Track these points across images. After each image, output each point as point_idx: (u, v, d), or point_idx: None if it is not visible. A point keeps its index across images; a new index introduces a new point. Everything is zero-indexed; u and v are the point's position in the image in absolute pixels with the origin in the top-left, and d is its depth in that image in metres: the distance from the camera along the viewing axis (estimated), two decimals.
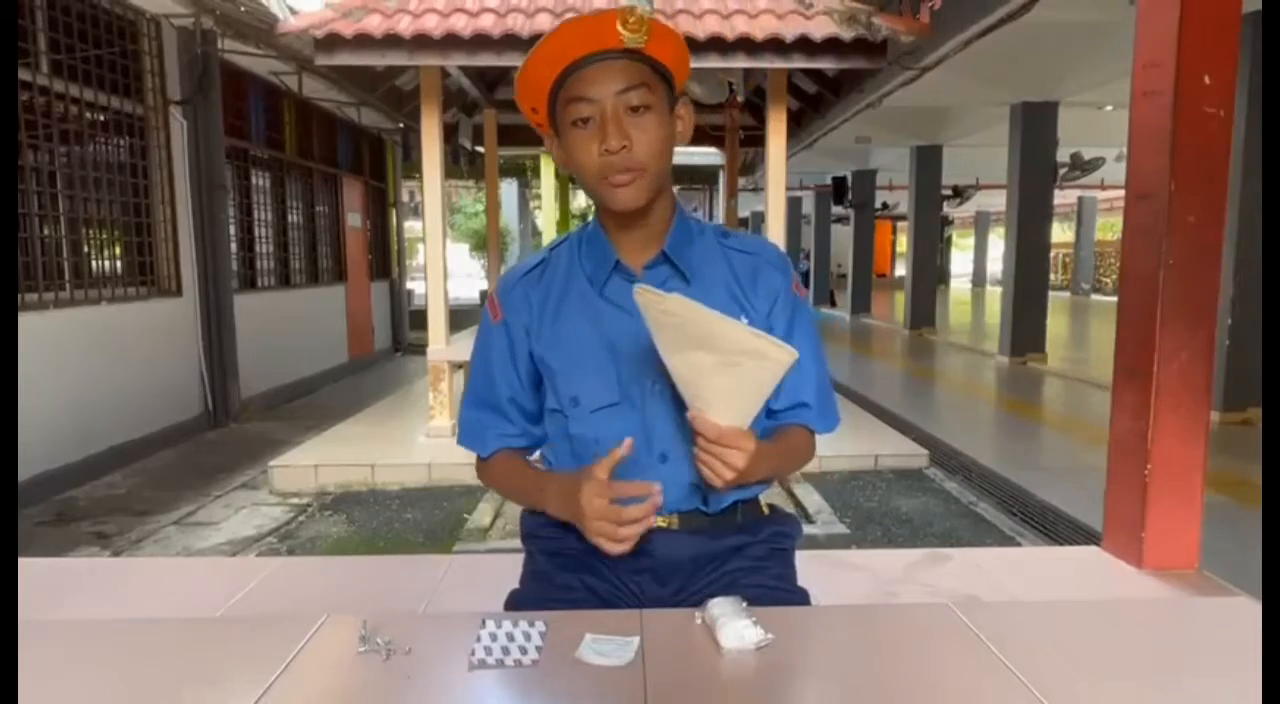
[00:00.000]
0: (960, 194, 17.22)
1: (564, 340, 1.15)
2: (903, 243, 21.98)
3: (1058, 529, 3.83)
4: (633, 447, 1.04)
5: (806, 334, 1.20)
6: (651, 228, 1.15)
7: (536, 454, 1.26)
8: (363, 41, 4.60)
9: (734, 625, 0.97)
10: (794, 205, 19.53)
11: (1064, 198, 18.12)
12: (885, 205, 18.72)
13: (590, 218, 1.22)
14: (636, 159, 1.07)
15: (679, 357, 0.99)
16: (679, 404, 1.13)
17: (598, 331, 1.14)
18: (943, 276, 23.89)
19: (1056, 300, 15.54)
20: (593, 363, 1.13)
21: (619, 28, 1.04)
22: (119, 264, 5.43)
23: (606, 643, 0.97)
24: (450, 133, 7.57)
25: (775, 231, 5.31)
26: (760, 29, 4.66)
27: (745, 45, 4.65)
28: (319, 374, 8.28)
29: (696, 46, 4.50)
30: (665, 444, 1.14)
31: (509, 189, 16.06)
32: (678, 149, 1.17)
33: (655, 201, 1.13)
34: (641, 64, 1.08)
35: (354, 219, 9.52)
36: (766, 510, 1.25)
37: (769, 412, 1.20)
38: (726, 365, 0.96)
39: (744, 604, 1.03)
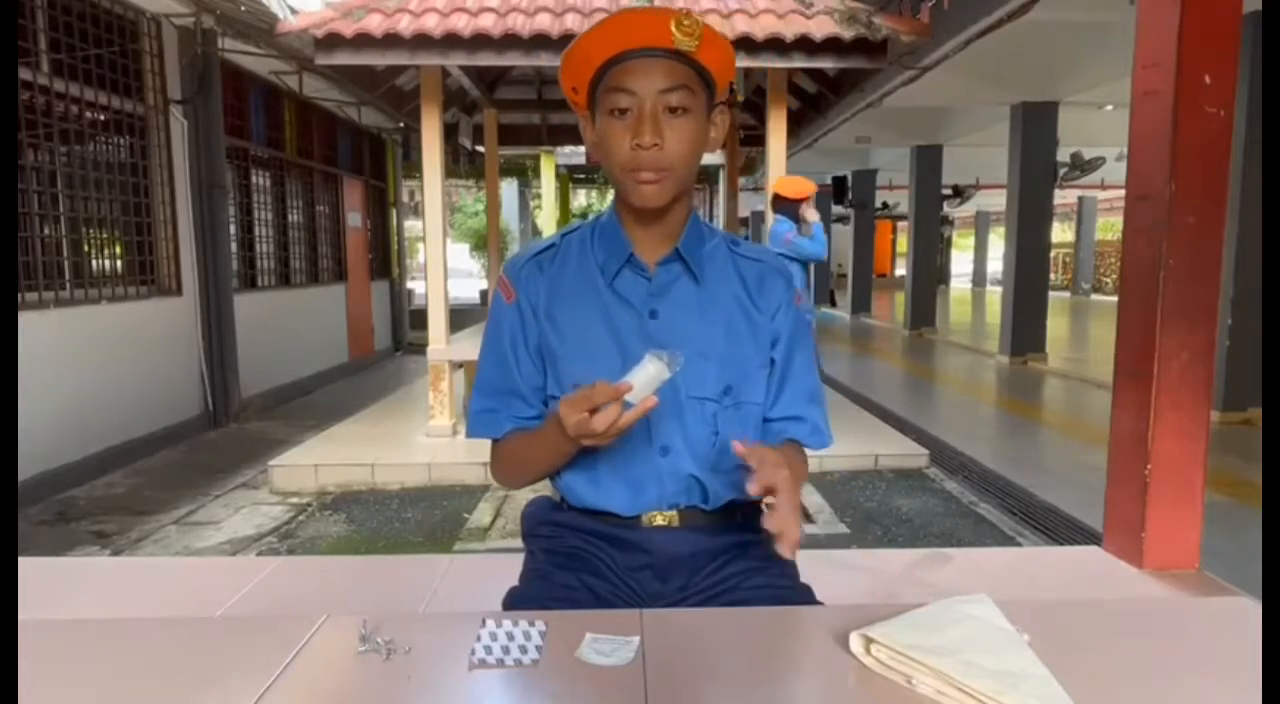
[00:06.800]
0: (960, 194, 17.22)
1: (569, 327, 1.16)
2: (903, 243, 21.97)
3: (1058, 529, 3.83)
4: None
5: (804, 347, 1.23)
6: (668, 226, 1.17)
7: None
8: (363, 41, 4.60)
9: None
10: None
11: (1064, 198, 18.13)
12: (885, 205, 18.73)
13: (605, 210, 1.22)
14: (666, 159, 1.08)
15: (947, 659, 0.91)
16: (680, 397, 1.14)
17: (603, 321, 1.15)
18: (943, 276, 23.84)
19: (1056, 300, 15.53)
20: (597, 352, 1.14)
21: (672, 28, 1.05)
22: (119, 264, 5.42)
23: (607, 643, 0.97)
24: (450, 132, 7.56)
25: None
26: (760, 28, 4.66)
27: (745, 45, 4.65)
28: (319, 374, 8.27)
29: None
30: (666, 437, 1.15)
31: (509, 189, 16.06)
32: None
33: (675, 202, 1.15)
34: (687, 66, 1.09)
35: (354, 219, 9.52)
36: (766, 509, 1.25)
37: (764, 419, 1.21)
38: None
39: None
